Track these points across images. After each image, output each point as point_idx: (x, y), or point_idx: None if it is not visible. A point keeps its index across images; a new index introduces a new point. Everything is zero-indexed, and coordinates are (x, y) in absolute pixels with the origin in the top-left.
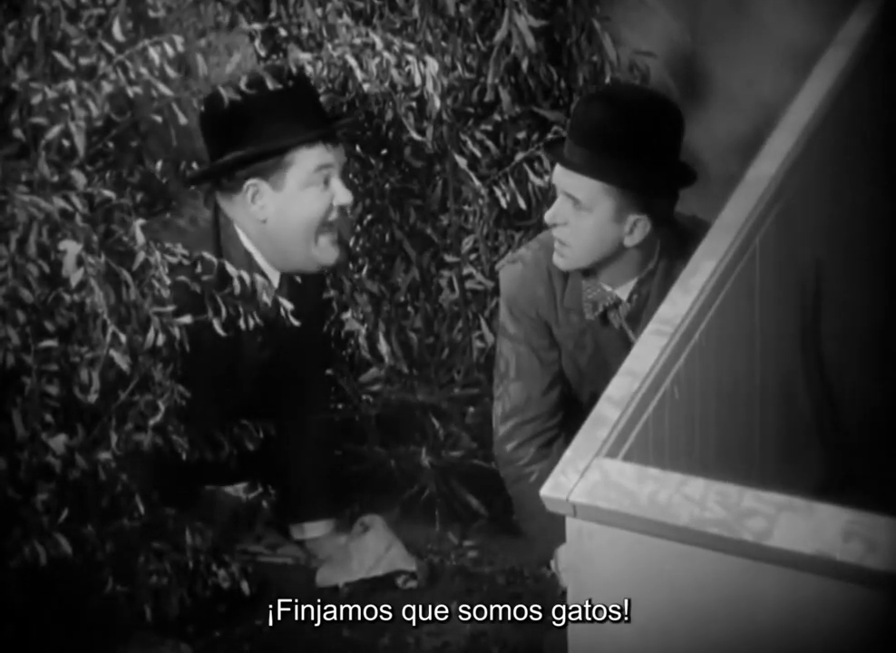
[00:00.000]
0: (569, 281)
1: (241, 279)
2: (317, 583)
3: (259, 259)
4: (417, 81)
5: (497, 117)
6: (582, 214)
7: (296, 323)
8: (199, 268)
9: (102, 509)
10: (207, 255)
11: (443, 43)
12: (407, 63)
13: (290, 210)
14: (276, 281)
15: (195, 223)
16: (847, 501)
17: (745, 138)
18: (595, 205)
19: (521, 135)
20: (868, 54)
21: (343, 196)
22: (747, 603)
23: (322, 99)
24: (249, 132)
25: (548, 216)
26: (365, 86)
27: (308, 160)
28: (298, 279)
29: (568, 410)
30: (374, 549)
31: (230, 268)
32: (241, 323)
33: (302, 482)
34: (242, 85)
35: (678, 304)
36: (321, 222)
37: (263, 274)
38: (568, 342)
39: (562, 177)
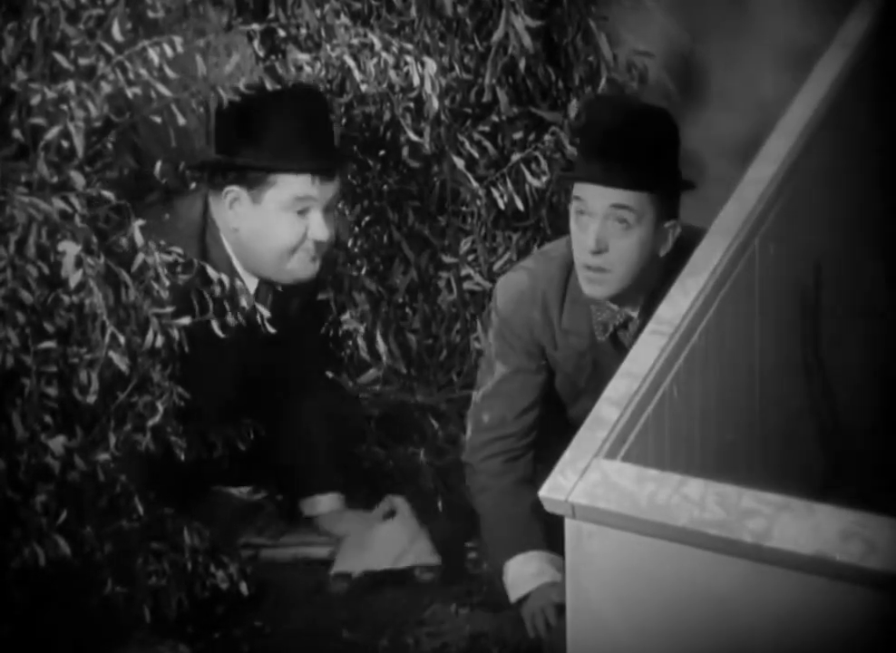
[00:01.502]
0: (568, 304)
1: (221, 283)
2: (334, 568)
3: (236, 264)
4: (416, 81)
5: (495, 118)
6: (628, 233)
7: (272, 330)
8: (179, 269)
9: (100, 510)
10: (190, 256)
11: (441, 44)
12: (406, 63)
13: (262, 228)
14: (252, 287)
15: (183, 221)
16: (847, 501)
17: (744, 139)
18: (642, 217)
19: (518, 135)
20: (867, 56)
21: (318, 231)
22: (747, 604)
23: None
24: (246, 140)
25: (592, 243)
26: (363, 87)
27: (289, 187)
28: (279, 286)
29: (541, 431)
30: (399, 539)
31: (211, 272)
32: (229, 319)
33: (309, 454)
34: (254, 90)
35: (678, 304)
36: (291, 249)
37: (241, 278)
38: (567, 364)
39: (604, 198)
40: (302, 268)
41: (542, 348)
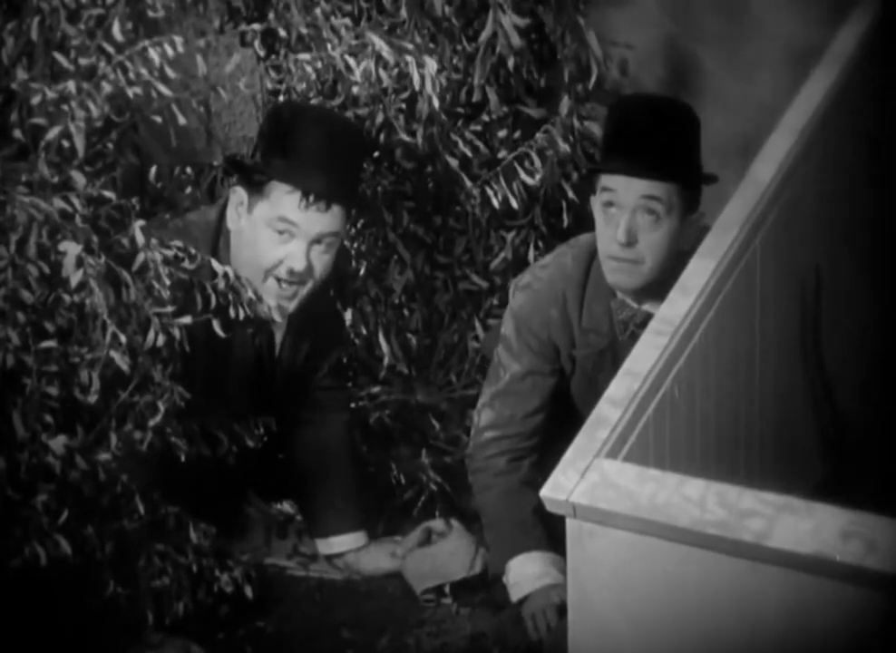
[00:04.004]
0: (588, 302)
1: (226, 275)
2: (420, 588)
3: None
4: (416, 81)
5: (486, 117)
6: (658, 225)
7: (278, 319)
8: (186, 262)
9: (101, 509)
10: (194, 252)
11: (431, 45)
12: (406, 64)
13: (248, 238)
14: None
15: (196, 227)
16: (846, 501)
17: (743, 138)
18: (671, 208)
19: (504, 134)
20: (867, 55)
21: (294, 260)
22: (747, 604)
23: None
24: (270, 144)
25: (622, 235)
26: (355, 89)
27: (277, 205)
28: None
29: (548, 434)
30: (466, 548)
31: (216, 265)
32: (231, 311)
33: (323, 494)
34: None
35: (678, 304)
36: (265, 268)
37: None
38: (586, 363)
39: (635, 189)
40: (274, 299)
41: (557, 351)
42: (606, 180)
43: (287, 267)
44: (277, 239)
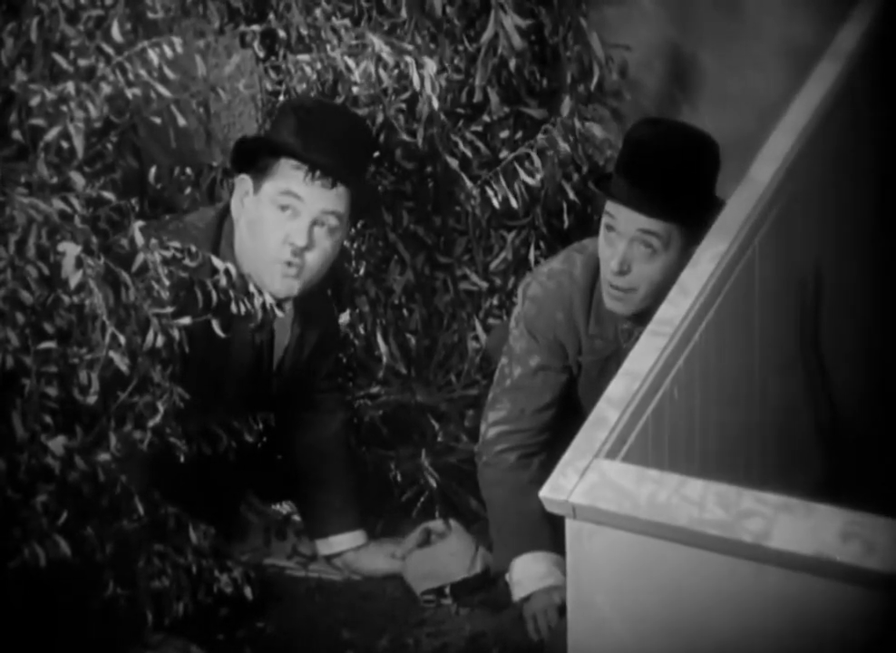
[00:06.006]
0: (595, 309)
1: (228, 272)
2: (420, 589)
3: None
4: (416, 81)
5: (486, 118)
6: (653, 258)
7: (280, 314)
8: (187, 260)
9: (101, 510)
10: (195, 248)
11: (432, 46)
12: (406, 64)
13: (253, 220)
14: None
15: (196, 228)
16: (846, 501)
17: (743, 138)
18: (669, 243)
19: (505, 134)
20: (869, 53)
21: (296, 236)
22: (746, 604)
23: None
24: (278, 126)
25: (616, 264)
26: (355, 89)
27: (283, 180)
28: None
29: (556, 432)
30: (466, 549)
31: (217, 262)
32: (233, 307)
33: (322, 494)
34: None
35: (678, 305)
36: (272, 247)
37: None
38: (592, 368)
39: (633, 221)
40: (279, 279)
41: (565, 350)
42: (609, 204)
43: (289, 245)
44: (282, 216)
